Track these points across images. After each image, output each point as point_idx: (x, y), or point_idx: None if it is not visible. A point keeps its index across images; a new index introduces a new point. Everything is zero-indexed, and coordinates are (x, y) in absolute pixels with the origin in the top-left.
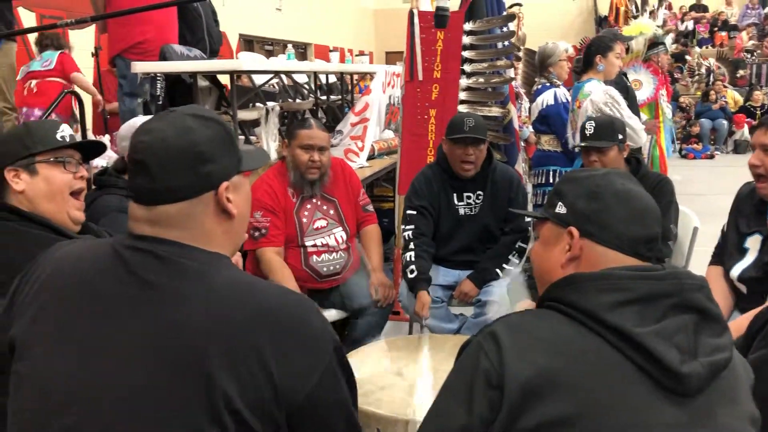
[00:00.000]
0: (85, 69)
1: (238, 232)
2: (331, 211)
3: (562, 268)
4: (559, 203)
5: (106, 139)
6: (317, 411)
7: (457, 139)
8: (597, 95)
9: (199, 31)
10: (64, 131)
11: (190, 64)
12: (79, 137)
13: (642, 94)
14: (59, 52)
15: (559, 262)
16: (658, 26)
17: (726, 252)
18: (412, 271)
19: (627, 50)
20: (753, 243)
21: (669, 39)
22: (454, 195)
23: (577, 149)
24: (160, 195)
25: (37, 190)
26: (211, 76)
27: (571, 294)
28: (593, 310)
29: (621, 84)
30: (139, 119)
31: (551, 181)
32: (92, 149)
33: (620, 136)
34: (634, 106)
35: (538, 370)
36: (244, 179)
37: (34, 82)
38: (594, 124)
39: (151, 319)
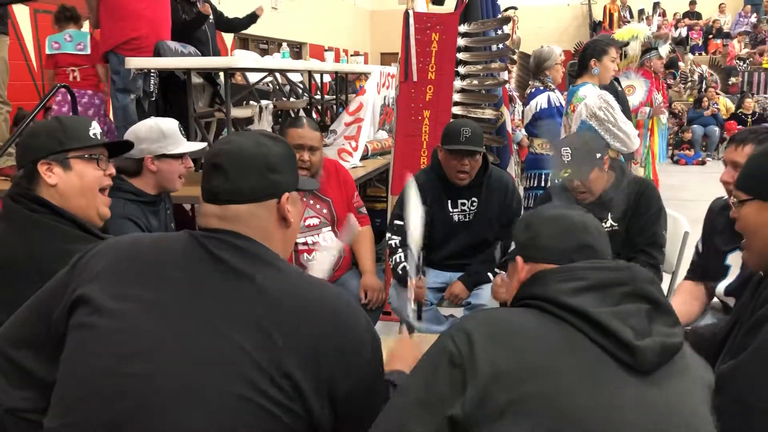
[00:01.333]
0: None
1: (290, 242)
2: (324, 210)
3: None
4: (512, 243)
5: None
6: (363, 391)
7: (452, 150)
8: (591, 99)
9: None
10: (95, 129)
11: (184, 60)
12: None
13: (635, 98)
14: (88, 33)
15: (515, 287)
16: (650, 31)
17: (706, 271)
18: (403, 269)
19: (623, 56)
20: (734, 259)
21: (667, 45)
22: (449, 201)
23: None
24: (232, 195)
25: (70, 185)
26: (206, 74)
27: (536, 288)
28: (555, 297)
29: (612, 89)
30: (152, 120)
31: (543, 184)
32: (117, 147)
33: (598, 155)
34: (626, 111)
35: (506, 354)
36: (298, 197)
37: (77, 71)
38: (570, 151)
39: (226, 289)
